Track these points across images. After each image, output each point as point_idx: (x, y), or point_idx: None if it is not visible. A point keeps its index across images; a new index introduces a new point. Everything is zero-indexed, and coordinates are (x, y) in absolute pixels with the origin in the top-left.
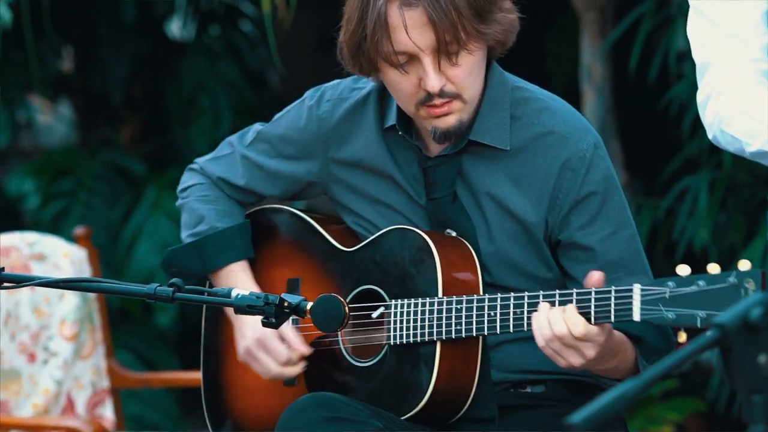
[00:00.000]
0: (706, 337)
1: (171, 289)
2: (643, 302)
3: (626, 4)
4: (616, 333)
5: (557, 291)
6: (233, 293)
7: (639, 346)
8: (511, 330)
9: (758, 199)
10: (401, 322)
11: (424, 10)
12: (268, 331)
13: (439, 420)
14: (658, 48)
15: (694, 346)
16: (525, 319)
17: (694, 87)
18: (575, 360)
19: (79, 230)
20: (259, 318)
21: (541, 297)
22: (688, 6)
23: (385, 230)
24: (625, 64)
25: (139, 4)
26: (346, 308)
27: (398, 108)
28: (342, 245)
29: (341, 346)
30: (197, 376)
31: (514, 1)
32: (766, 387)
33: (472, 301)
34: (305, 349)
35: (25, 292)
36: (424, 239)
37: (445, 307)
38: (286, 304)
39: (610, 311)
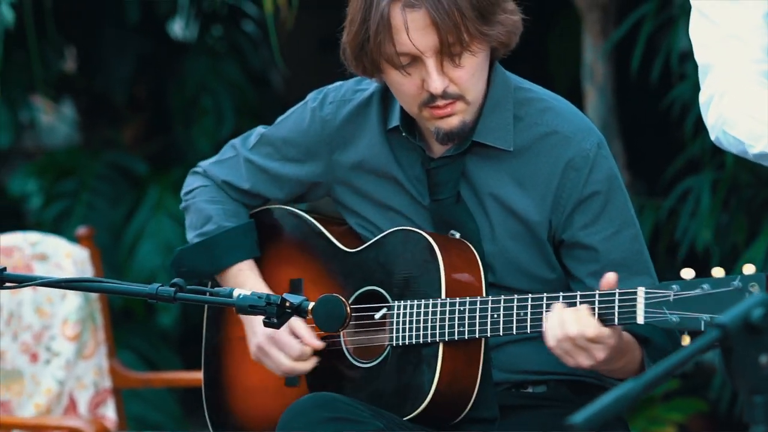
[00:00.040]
0: (708, 337)
1: (173, 289)
2: (647, 305)
3: (628, 4)
4: (624, 334)
5: (561, 293)
6: (235, 293)
7: (646, 347)
8: (514, 332)
9: (760, 200)
10: (404, 323)
11: (426, 12)
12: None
13: (441, 421)
14: (660, 48)
15: (696, 347)
16: (528, 321)
17: (697, 87)
18: (585, 361)
19: (81, 230)
20: None
21: (544, 299)
22: (690, 6)
23: (388, 231)
24: (627, 64)
25: (142, 4)
26: (348, 308)
27: (401, 109)
28: (345, 246)
29: (343, 347)
30: (199, 376)
31: (517, 2)
32: (767, 387)
33: (475, 303)
34: (318, 343)
35: (27, 292)
36: (428, 241)
37: (448, 308)
38: (287, 304)
39: (613, 313)
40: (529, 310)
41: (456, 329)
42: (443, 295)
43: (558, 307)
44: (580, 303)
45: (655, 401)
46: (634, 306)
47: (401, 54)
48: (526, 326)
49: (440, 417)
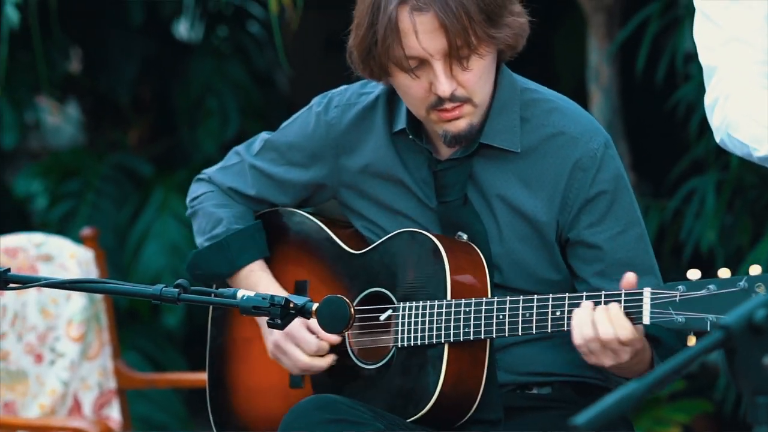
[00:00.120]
0: (711, 338)
1: (177, 290)
2: (653, 305)
3: (633, 5)
4: None
5: (567, 294)
6: (239, 294)
7: (656, 347)
8: (520, 333)
9: (765, 201)
10: (409, 324)
11: (435, 15)
12: (296, 323)
13: (446, 422)
14: (665, 49)
15: (699, 348)
16: (533, 321)
17: (701, 88)
18: (608, 361)
19: (85, 231)
20: None
21: (550, 300)
22: (694, 8)
23: (394, 233)
24: (633, 66)
25: (146, 6)
26: (352, 309)
27: (408, 111)
28: (350, 248)
29: (348, 349)
30: (204, 377)
31: (523, 4)
32: None
33: (480, 304)
34: (335, 338)
35: (32, 293)
36: (434, 242)
37: (453, 309)
38: (291, 305)
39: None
40: (534, 311)
41: (461, 330)
42: (448, 297)
43: (588, 305)
44: (612, 302)
45: (660, 402)
46: (641, 306)
47: (409, 57)
48: (532, 327)
49: (445, 418)
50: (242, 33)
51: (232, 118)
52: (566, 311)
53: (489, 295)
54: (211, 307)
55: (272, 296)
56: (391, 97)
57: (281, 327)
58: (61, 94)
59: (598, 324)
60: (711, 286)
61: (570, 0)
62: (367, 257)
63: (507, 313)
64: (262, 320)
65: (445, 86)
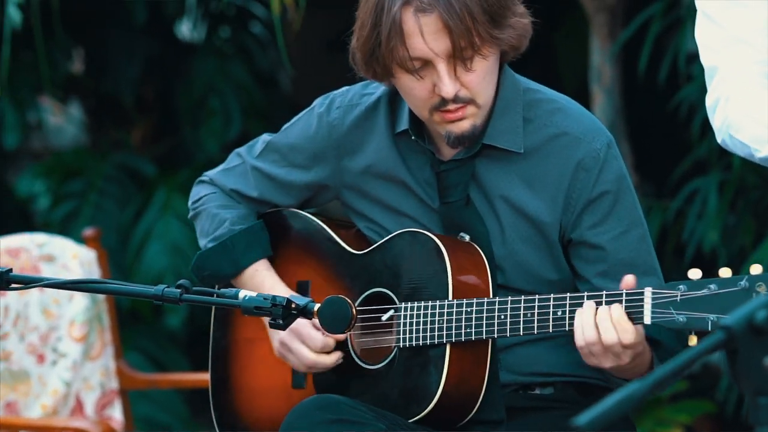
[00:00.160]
0: (712, 339)
1: (178, 290)
2: (654, 305)
3: (636, 5)
4: None
5: (568, 294)
6: (241, 295)
7: (656, 349)
8: (521, 333)
9: None
10: (411, 324)
11: (439, 16)
12: (302, 321)
13: (448, 423)
14: (668, 49)
15: (700, 348)
16: (534, 321)
17: (704, 89)
18: (609, 363)
19: (88, 231)
20: None
21: (551, 300)
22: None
23: (395, 233)
24: (635, 66)
25: (149, 6)
26: (353, 310)
27: (410, 112)
28: (352, 248)
29: (350, 349)
30: (206, 377)
31: (525, 5)
32: None
33: (482, 305)
34: (341, 335)
35: (34, 293)
36: (435, 242)
37: (455, 310)
38: (293, 305)
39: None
40: (536, 311)
41: (463, 330)
42: (450, 297)
43: (590, 306)
44: (614, 304)
45: (662, 402)
46: (642, 306)
47: (413, 58)
48: (533, 327)
49: (447, 418)
50: (245, 33)
51: (235, 118)
52: (568, 311)
53: (491, 295)
54: (213, 307)
55: (274, 297)
56: (393, 98)
57: (283, 327)
58: (63, 95)
59: (601, 327)
60: (712, 286)
61: (572, 0)
62: (369, 257)
63: (508, 313)
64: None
65: (448, 87)
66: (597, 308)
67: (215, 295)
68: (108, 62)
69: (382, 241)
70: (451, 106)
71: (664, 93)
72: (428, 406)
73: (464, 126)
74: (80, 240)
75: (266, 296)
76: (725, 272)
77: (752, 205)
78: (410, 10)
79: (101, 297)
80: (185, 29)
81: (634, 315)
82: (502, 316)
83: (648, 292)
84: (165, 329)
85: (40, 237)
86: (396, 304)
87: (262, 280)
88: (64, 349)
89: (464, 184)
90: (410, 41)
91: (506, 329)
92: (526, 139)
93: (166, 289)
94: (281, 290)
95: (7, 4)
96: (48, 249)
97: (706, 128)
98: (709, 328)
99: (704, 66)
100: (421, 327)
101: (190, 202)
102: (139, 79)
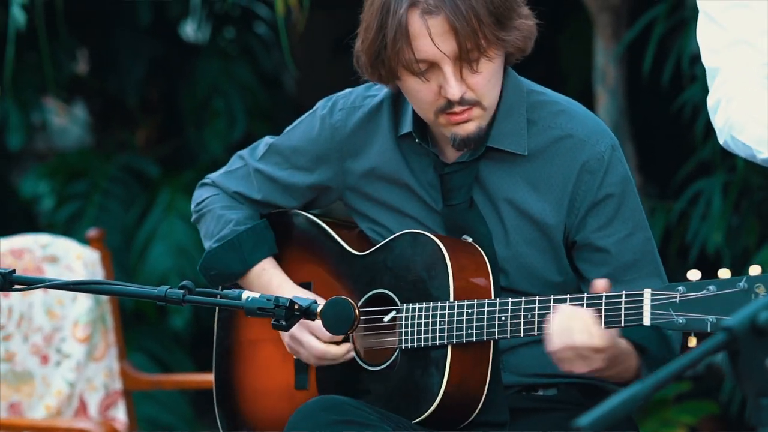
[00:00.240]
0: (715, 340)
1: (181, 291)
2: (653, 307)
3: (640, 6)
4: (623, 342)
5: (568, 295)
6: (244, 296)
7: (643, 356)
8: (522, 334)
9: None
10: (412, 326)
11: (445, 18)
12: None
13: (450, 424)
14: (672, 50)
15: (702, 350)
16: (535, 323)
17: (707, 90)
18: (581, 368)
19: (91, 232)
20: None
21: (552, 301)
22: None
23: (396, 234)
24: (639, 67)
25: (154, 6)
26: (357, 311)
27: (413, 115)
28: (354, 249)
29: (353, 350)
30: (210, 378)
31: (529, 6)
32: None
33: (483, 306)
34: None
35: (38, 294)
36: (436, 243)
37: (456, 311)
38: (296, 306)
39: (620, 316)
40: (536, 312)
41: (464, 332)
42: (452, 298)
43: (562, 311)
44: (587, 305)
45: (666, 403)
46: (641, 308)
47: (419, 60)
48: (534, 328)
49: (449, 419)
50: (249, 34)
51: (239, 119)
52: None
53: (492, 296)
54: (217, 308)
55: (277, 297)
56: (396, 100)
57: (286, 328)
58: (67, 95)
59: (573, 332)
60: (711, 287)
61: (576, 1)
62: (370, 259)
63: (509, 314)
64: None
65: (455, 89)
66: (569, 313)
67: (218, 296)
68: (112, 63)
69: (384, 242)
70: (457, 108)
71: (668, 94)
72: (430, 407)
73: (470, 128)
74: (84, 241)
75: (269, 297)
76: (724, 273)
77: (756, 206)
78: (417, 12)
79: (105, 298)
80: (189, 30)
81: (633, 317)
82: (503, 318)
83: (647, 293)
84: (169, 330)
85: (43, 238)
86: (397, 305)
87: (269, 279)
88: (67, 350)
89: (468, 186)
90: (416, 43)
91: (507, 330)
92: (529, 141)
93: (169, 290)
94: (289, 288)
95: (11, 4)
96: (52, 250)
97: (710, 129)
98: (709, 330)
99: (706, 67)
100: (422, 328)
101: (193, 205)
102: (144, 79)
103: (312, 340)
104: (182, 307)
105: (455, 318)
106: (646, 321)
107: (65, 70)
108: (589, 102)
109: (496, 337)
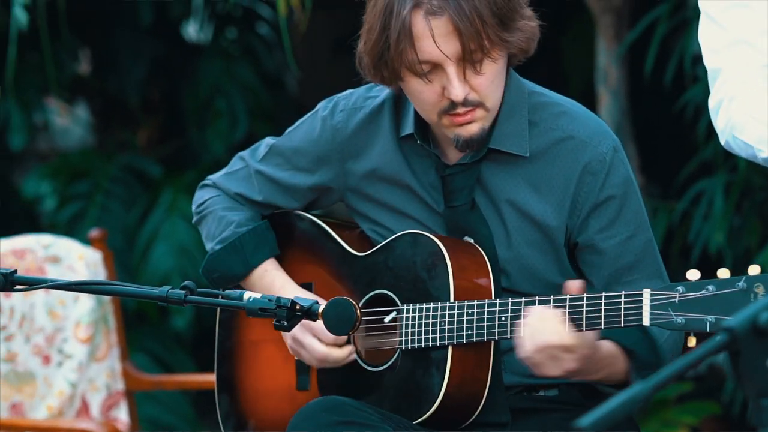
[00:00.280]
0: (715, 341)
1: (183, 292)
2: (652, 307)
3: (642, 6)
4: (606, 345)
5: (567, 296)
6: (245, 296)
7: (631, 359)
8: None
9: None
10: (413, 326)
11: (449, 19)
12: None
13: (451, 424)
14: (674, 51)
15: (703, 350)
16: None
17: (709, 90)
18: (554, 371)
19: (93, 233)
20: None
21: (551, 301)
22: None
23: (397, 235)
24: (641, 67)
25: (155, 7)
26: (358, 311)
27: (415, 116)
28: (355, 250)
29: (354, 353)
30: (211, 378)
31: (532, 8)
32: None
33: (483, 306)
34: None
35: (39, 295)
36: (436, 244)
37: (456, 311)
38: (297, 307)
39: (620, 316)
40: None
41: (465, 332)
42: (452, 299)
43: (531, 314)
44: (586, 305)
45: (668, 404)
46: (640, 308)
47: (423, 61)
48: None
49: (450, 420)
50: (251, 34)
51: (241, 119)
52: (568, 312)
53: (493, 296)
54: (218, 309)
55: (278, 298)
56: (398, 102)
57: (288, 329)
58: (69, 96)
59: (536, 333)
60: (710, 287)
61: (578, 2)
62: (371, 259)
63: (509, 314)
64: None
65: (458, 90)
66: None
67: (220, 296)
68: (114, 63)
69: (384, 242)
70: (460, 110)
71: (670, 94)
72: (431, 408)
73: (473, 129)
74: (86, 241)
75: (270, 298)
76: (723, 273)
77: (758, 206)
78: (420, 13)
79: (107, 298)
80: (191, 30)
81: (632, 317)
82: (503, 318)
83: (647, 293)
84: (171, 330)
85: (45, 238)
86: (398, 305)
87: (272, 280)
88: (69, 351)
89: (469, 188)
90: (420, 44)
91: (507, 331)
92: (531, 142)
93: (170, 290)
94: (291, 289)
95: (13, 5)
96: (54, 250)
97: (712, 130)
98: (708, 329)
99: (707, 68)
100: (423, 329)
101: (194, 206)
102: (146, 80)
103: (314, 342)
104: (184, 308)
105: (456, 318)
106: (646, 321)
107: (67, 71)
108: (591, 103)
109: (497, 337)
